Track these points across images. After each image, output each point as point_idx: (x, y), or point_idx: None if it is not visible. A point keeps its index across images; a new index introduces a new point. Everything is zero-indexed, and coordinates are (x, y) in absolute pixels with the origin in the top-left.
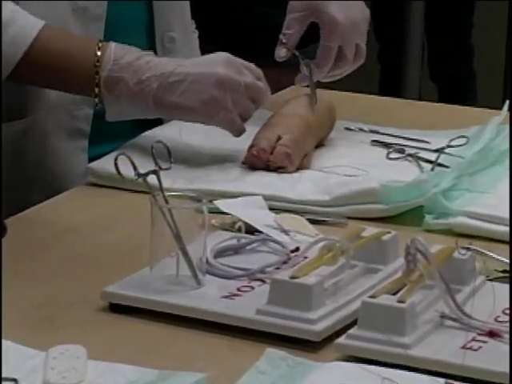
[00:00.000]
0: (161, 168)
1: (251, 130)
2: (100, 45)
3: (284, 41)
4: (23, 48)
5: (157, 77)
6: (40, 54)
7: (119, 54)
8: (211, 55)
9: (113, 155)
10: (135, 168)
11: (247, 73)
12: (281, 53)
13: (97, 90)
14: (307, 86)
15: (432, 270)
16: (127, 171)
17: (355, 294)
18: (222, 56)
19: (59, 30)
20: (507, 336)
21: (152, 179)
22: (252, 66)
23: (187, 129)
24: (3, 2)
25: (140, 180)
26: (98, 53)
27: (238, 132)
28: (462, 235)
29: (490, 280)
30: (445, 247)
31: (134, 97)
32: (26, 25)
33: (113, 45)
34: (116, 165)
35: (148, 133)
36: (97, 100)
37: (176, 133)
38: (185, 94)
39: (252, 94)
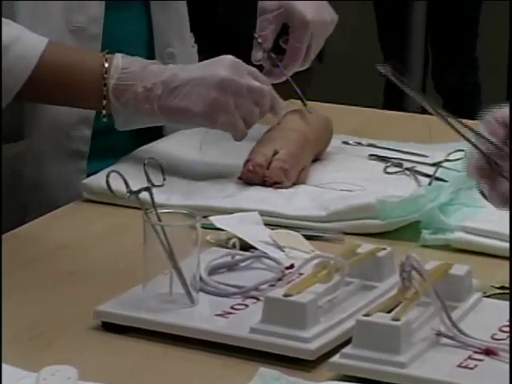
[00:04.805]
0: (153, 185)
1: (247, 144)
2: (107, 56)
3: (260, 41)
4: (31, 64)
5: (161, 82)
6: (48, 69)
7: (126, 64)
8: (215, 58)
9: (107, 171)
10: (127, 185)
11: (249, 77)
12: (257, 55)
13: (104, 101)
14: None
15: (427, 287)
16: (122, 187)
17: (350, 311)
18: (225, 58)
19: (63, 45)
20: (504, 354)
21: (146, 195)
22: (256, 70)
23: (183, 143)
24: (7, 22)
25: (132, 197)
26: (106, 64)
27: (240, 136)
28: (459, 250)
29: (486, 297)
30: (441, 263)
31: (141, 104)
32: (31, 42)
33: (119, 55)
34: (107, 182)
35: (145, 147)
36: (104, 112)
37: (172, 147)
38: (187, 97)
39: (256, 97)
